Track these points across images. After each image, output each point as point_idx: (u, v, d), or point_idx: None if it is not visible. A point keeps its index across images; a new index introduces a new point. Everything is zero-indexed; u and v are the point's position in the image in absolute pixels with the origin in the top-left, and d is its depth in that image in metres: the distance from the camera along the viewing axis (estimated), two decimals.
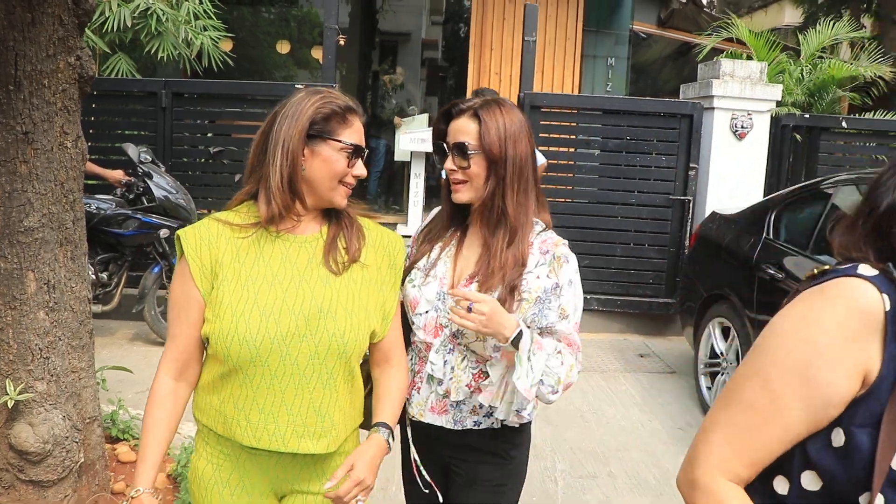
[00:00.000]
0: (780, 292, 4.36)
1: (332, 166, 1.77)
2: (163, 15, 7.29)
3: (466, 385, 1.97)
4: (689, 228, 6.74)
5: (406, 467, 2.19)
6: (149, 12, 7.21)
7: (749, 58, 7.91)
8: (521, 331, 1.83)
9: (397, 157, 9.30)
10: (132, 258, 5.98)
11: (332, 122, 1.77)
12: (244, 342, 1.68)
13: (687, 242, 6.71)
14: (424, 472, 2.11)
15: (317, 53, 11.93)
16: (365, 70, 15.85)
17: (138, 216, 5.80)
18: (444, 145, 2.01)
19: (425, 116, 9.48)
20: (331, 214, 1.87)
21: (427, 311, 2.00)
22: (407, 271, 2.04)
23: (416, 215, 8.25)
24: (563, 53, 10.15)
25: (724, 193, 6.76)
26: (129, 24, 7.13)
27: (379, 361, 1.95)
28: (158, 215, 5.85)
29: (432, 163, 9.52)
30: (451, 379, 1.97)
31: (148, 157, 5.97)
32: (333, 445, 1.81)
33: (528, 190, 1.97)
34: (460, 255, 2.06)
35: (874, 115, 8.51)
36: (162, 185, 5.89)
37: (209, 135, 7.19)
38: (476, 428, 2.03)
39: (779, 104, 7.25)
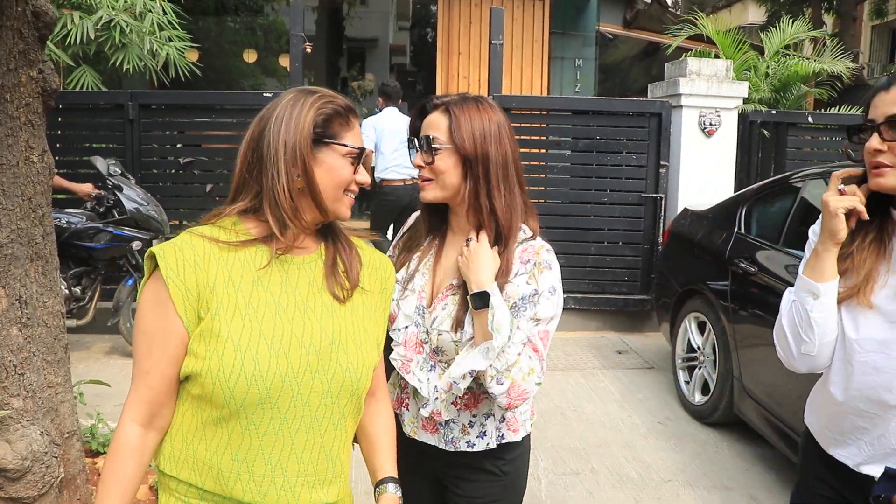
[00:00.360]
0: (753, 286, 4.42)
1: (337, 174, 1.56)
2: (126, 26, 7.22)
3: (452, 403, 1.91)
4: (661, 225, 6.80)
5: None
6: (112, 24, 7.15)
7: (716, 56, 7.99)
8: (488, 291, 1.75)
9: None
10: (105, 271, 5.92)
11: (335, 125, 1.56)
12: (252, 381, 1.43)
13: (660, 239, 6.76)
14: None
15: (284, 61, 11.91)
16: (333, 77, 15.84)
17: (109, 229, 5.74)
18: (415, 141, 1.93)
19: None
20: (326, 232, 1.67)
21: (406, 327, 1.91)
22: None
23: None
24: (531, 56, 10.21)
25: (695, 190, 6.83)
26: (92, 37, 7.06)
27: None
28: (130, 227, 5.80)
29: None
30: (436, 399, 1.85)
31: (117, 169, 5.91)
32: (344, 491, 1.64)
33: (514, 192, 1.89)
34: (439, 265, 1.97)
35: (839, 110, 8.65)
36: (132, 197, 5.83)
37: (178, 146, 7.12)
38: (470, 450, 1.96)
39: (746, 101, 7.35)
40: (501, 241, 1.87)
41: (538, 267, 1.86)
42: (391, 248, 2.13)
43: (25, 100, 2.85)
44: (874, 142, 1.67)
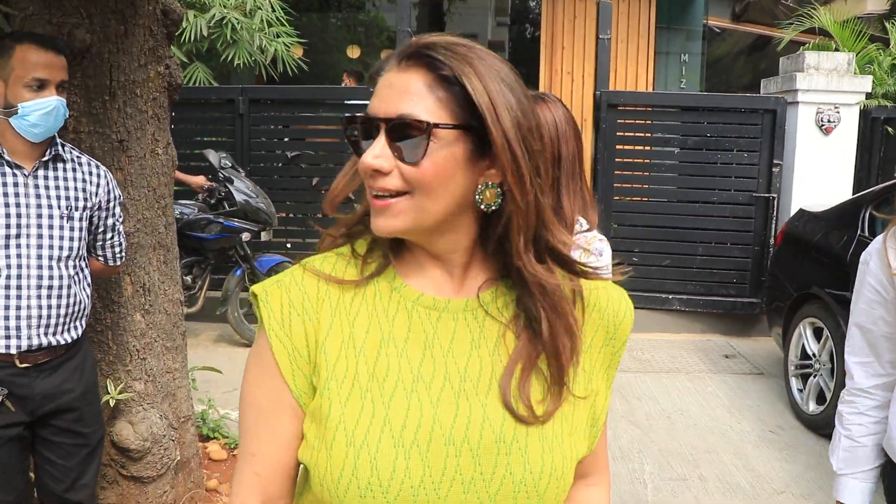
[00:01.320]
0: None
1: None
2: (237, 24, 7.42)
3: None
4: (773, 226, 6.55)
5: None
6: (224, 21, 7.36)
7: (835, 49, 7.64)
8: None
9: None
10: (215, 261, 6.10)
11: None
12: (368, 491, 0.97)
13: (772, 241, 6.51)
14: None
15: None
16: None
17: (220, 220, 5.91)
18: None
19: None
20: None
21: None
22: None
23: None
24: (636, 51, 10.00)
25: (811, 190, 6.54)
26: (205, 34, 7.28)
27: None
28: (239, 219, 5.95)
29: None
30: None
31: (228, 162, 6.08)
32: None
33: (576, 188, 1.96)
34: None
35: None
36: (242, 189, 5.99)
37: (285, 139, 7.28)
38: None
39: (868, 96, 6.99)
40: None
41: (587, 253, 1.92)
42: None
43: (153, 94, 2.95)
44: None
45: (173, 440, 3.05)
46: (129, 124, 2.84)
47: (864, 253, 1.77)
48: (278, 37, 8.12)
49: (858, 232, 4.67)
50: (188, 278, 6.01)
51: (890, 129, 6.97)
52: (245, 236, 5.93)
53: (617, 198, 6.88)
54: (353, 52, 13.02)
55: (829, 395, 4.62)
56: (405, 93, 0.95)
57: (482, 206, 0.98)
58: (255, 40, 7.71)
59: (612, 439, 4.52)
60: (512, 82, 0.98)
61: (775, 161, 6.59)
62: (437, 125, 0.94)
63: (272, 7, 8.08)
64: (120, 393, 2.83)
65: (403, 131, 0.94)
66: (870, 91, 6.75)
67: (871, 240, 4.50)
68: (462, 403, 1.01)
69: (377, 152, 0.96)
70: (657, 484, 4.03)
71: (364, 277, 1.06)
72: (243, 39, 7.66)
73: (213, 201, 6.03)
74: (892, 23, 8.25)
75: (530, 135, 0.97)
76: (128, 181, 2.86)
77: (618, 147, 6.68)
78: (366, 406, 1.00)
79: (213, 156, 5.97)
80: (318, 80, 11.57)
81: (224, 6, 7.56)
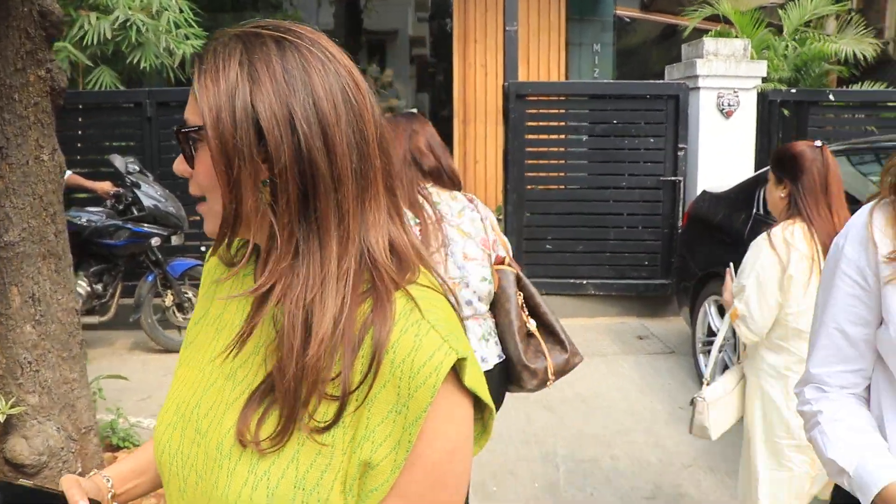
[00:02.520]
0: None
1: None
2: (143, 26, 7.26)
3: None
4: (681, 209, 6.73)
5: None
6: (128, 24, 7.19)
7: (735, 36, 7.88)
8: None
9: None
10: (126, 268, 5.99)
11: None
12: (157, 458, 1.07)
13: (680, 223, 6.70)
14: None
15: None
16: None
17: (129, 226, 5.80)
18: None
19: (414, 111, 9.46)
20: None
21: None
22: None
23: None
24: (548, 42, 10.13)
25: (715, 172, 6.74)
26: (108, 37, 7.11)
27: None
28: (149, 224, 5.85)
29: None
30: None
31: (135, 167, 5.96)
32: None
33: None
34: None
35: (861, 86, 8.50)
36: (151, 194, 5.89)
37: None
38: None
39: (765, 80, 7.23)
40: None
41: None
42: None
43: (34, 99, 2.87)
44: None
45: (73, 452, 2.99)
46: (7, 130, 2.77)
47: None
48: (187, 38, 7.98)
49: (755, 210, 4.84)
50: (99, 286, 5.89)
51: (786, 111, 7.23)
52: (155, 241, 5.84)
53: (529, 187, 6.99)
54: None
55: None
56: (190, 95, 0.92)
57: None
58: (161, 42, 7.56)
59: (525, 425, 4.61)
60: (280, 73, 0.88)
61: (680, 145, 6.77)
62: (190, 129, 0.91)
63: (180, 9, 7.93)
64: (11, 407, 2.76)
65: (182, 136, 0.92)
66: (766, 75, 6.99)
67: (767, 218, 4.67)
68: (220, 400, 0.98)
69: (179, 158, 0.94)
70: (570, 466, 4.12)
71: (236, 264, 1.01)
72: (149, 42, 7.50)
73: (121, 207, 5.91)
74: (785, 10, 8.55)
75: (287, 129, 0.87)
76: (10, 189, 2.79)
77: (527, 137, 6.76)
78: (173, 375, 1.08)
79: (118, 161, 5.85)
80: None
81: (129, 8, 7.39)
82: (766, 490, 2.72)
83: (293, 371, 0.86)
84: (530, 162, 6.93)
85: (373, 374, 0.87)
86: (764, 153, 7.17)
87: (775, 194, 2.83)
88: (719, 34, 8.09)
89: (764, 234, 2.71)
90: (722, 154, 6.82)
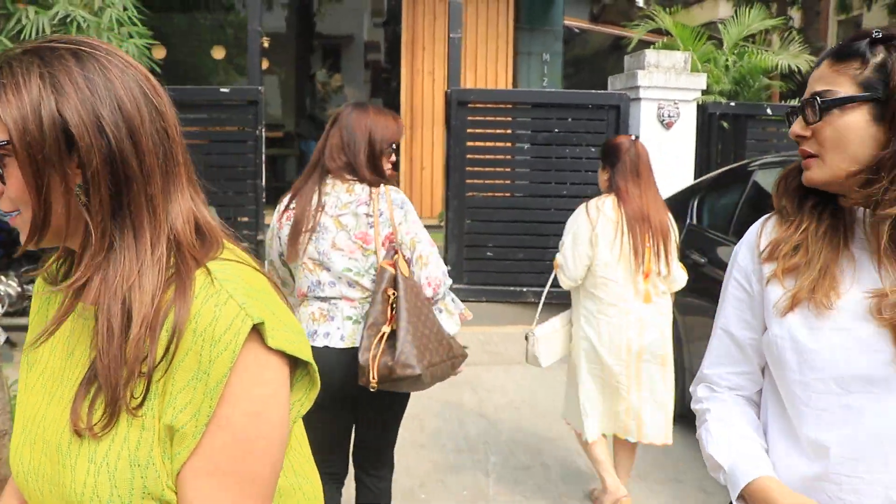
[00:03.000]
0: (703, 277, 4.42)
1: None
2: (83, 22, 7.12)
3: None
4: None
5: None
6: (68, 20, 7.04)
7: (678, 49, 8.02)
8: None
9: None
10: None
11: None
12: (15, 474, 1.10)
13: None
14: None
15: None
16: (303, 74, 15.75)
17: None
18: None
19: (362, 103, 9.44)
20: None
21: None
22: None
23: None
24: (496, 51, 10.19)
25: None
26: (47, 32, 6.95)
27: None
28: None
29: None
30: None
31: None
32: None
33: None
34: None
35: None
36: None
37: None
38: None
39: (706, 93, 7.36)
40: None
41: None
42: None
43: None
44: (796, 126, 1.36)
45: None
46: None
47: (736, 246, 1.55)
48: (131, 37, 7.84)
49: (688, 221, 4.91)
50: (29, 287, 5.79)
51: (725, 123, 7.37)
52: None
53: (470, 194, 6.99)
54: (218, 53, 12.74)
55: None
56: None
57: None
58: (103, 40, 7.42)
59: (459, 432, 4.60)
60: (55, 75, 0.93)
61: None
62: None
63: (124, 6, 7.79)
64: None
65: None
66: (706, 88, 7.11)
67: (701, 228, 4.73)
68: (60, 405, 1.01)
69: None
70: (501, 474, 4.12)
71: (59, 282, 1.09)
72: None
73: None
74: (724, 24, 8.73)
75: (96, 133, 0.92)
76: None
77: (469, 144, 6.78)
78: (22, 395, 1.09)
79: None
80: (181, 81, 11.26)
81: (69, 3, 7.24)
82: (588, 406, 3.60)
83: (113, 353, 0.92)
84: (471, 169, 6.94)
85: (174, 345, 0.92)
86: (704, 164, 7.29)
87: (602, 176, 3.68)
88: (664, 46, 8.23)
89: (583, 204, 3.60)
90: (662, 164, 6.87)
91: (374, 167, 2.67)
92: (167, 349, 0.92)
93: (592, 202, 3.56)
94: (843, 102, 1.30)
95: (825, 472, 1.33)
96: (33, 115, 0.91)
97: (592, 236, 3.45)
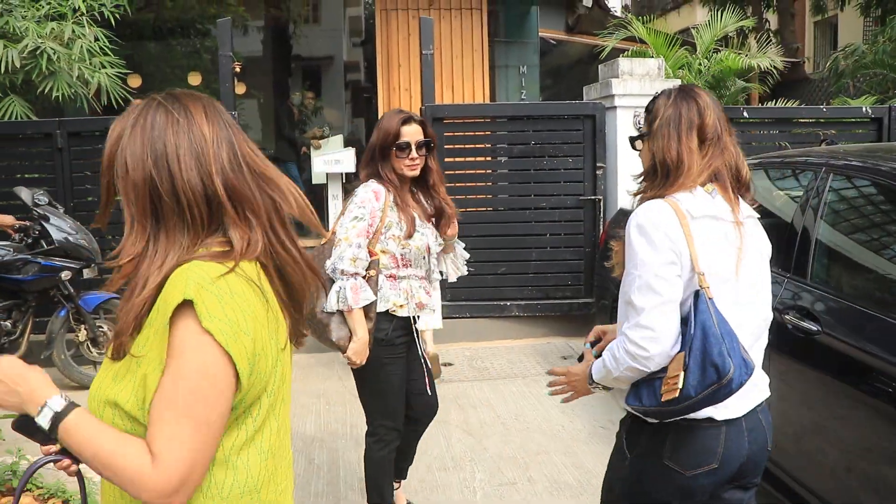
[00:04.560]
0: None
1: None
2: (53, 54, 7.08)
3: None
4: (601, 227, 6.79)
5: None
6: (38, 52, 7.01)
7: (651, 56, 8.03)
8: None
9: (314, 181, 9.18)
10: (36, 303, 5.79)
11: None
12: None
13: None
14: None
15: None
16: (282, 96, 15.72)
17: (38, 260, 5.61)
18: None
19: (340, 138, 9.42)
20: None
21: None
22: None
23: None
24: (472, 65, 10.19)
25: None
26: (18, 65, 6.91)
27: None
28: (59, 258, 5.67)
29: (351, 181, 9.43)
30: None
31: (44, 199, 5.78)
32: None
33: None
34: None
35: (775, 103, 8.74)
36: (61, 226, 5.71)
37: None
38: None
39: None
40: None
41: None
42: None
43: None
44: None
45: None
46: None
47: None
48: (103, 67, 7.80)
49: None
50: (7, 323, 5.70)
51: None
52: (65, 275, 5.65)
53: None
54: (194, 79, 12.72)
55: None
56: None
57: None
58: (74, 71, 7.38)
59: (444, 449, 4.55)
60: None
61: (599, 164, 6.83)
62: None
63: (95, 37, 7.76)
64: None
65: None
66: None
67: None
68: None
69: None
70: (486, 491, 4.07)
71: None
72: (62, 71, 7.32)
73: (30, 241, 5.71)
74: (697, 29, 8.77)
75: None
76: None
77: (446, 160, 6.75)
78: None
79: (24, 193, 5.66)
80: None
81: (39, 36, 7.20)
82: None
83: (125, 307, 1.36)
84: (450, 185, 6.89)
85: (153, 307, 1.34)
86: None
87: None
88: (637, 54, 8.25)
89: None
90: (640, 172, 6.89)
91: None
92: (150, 309, 1.34)
93: None
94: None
95: None
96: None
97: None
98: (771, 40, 9.42)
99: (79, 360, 5.86)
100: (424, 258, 3.31)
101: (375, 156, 3.22)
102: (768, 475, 3.44)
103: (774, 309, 3.36)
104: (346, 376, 5.99)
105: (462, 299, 6.77)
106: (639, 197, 2.21)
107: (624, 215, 5.62)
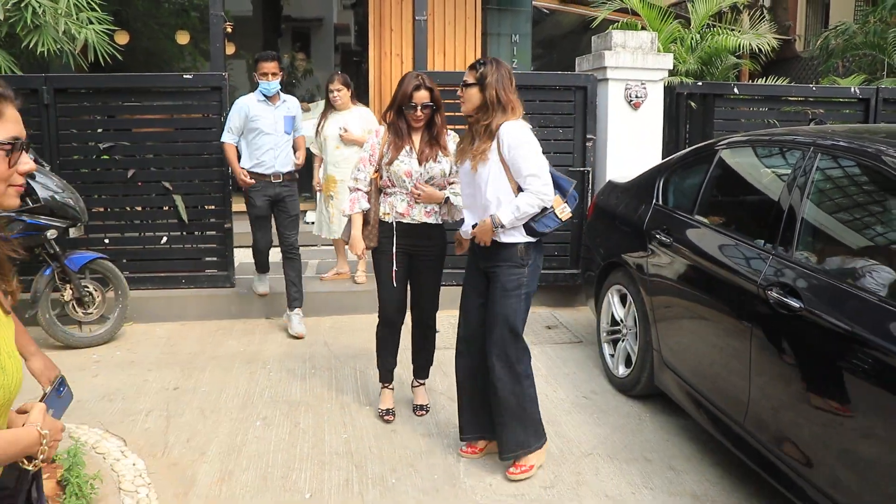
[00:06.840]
0: (669, 257, 4.43)
1: None
2: (39, 7, 6.97)
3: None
4: (589, 199, 6.81)
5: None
6: (23, 4, 6.89)
7: (643, 28, 8.01)
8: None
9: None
10: (21, 262, 5.75)
11: None
12: None
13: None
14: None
15: None
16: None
17: (23, 218, 5.56)
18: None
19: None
20: None
21: None
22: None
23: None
24: (464, 32, 10.13)
25: (623, 163, 6.84)
26: (1, 18, 6.80)
27: None
28: (45, 216, 5.63)
29: None
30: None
31: (29, 156, 5.72)
32: None
33: None
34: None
35: (766, 80, 8.75)
36: (47, 184, 5.66)
37: (99, 130, 6.93)
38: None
39: (673, 73, 7.37)
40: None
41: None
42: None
43: None
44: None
45: None
46: None
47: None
48: (90, 23, 7.69)
49: (654, 201, 4.92)
50: None
51: (693, 103, 7.38)
52: (51, 234, 5.61)
53: None
54: (183, 39, 12.57)
55: (634, 359, 4.85)
56: None
57: None
58: (60, 26, 7.26)
59: (429, 416, 4.60)
60: None
61: (588, 136, 6.84)
62: None
63: None
64: None
65: None
66: (673, 68, 7.11)
67: (666, 208, 4.73)
68: None
69: None
70: (471, 457, 4.11)
71: None
72: (48, 25, 7.20)
73: None
74: (693, 3, 8.74)
75: None
76: None
77: None
78: None
79: None
80: (143, 67, 11.12)
81: None
82: None
83: None
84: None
85: None
86: (672, 145, 7.31)
87: None
88: (626, 26, 8.22)
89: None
90: (630, 145, 6.92)
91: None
92: None
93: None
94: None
95: None
96: None
97: None
98: (764, 17, 9.38)
99: (64, 319, 5.85)
100: (404, 181, 4.29)
101: (394, 106, 4.36)
102: (748, 449, 3.51)
103: (758, 285, 3.42)
104: (333, 341, 6.02)
105: (449, 267, 6.78)
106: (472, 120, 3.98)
107: (612, 187, 5.67)
